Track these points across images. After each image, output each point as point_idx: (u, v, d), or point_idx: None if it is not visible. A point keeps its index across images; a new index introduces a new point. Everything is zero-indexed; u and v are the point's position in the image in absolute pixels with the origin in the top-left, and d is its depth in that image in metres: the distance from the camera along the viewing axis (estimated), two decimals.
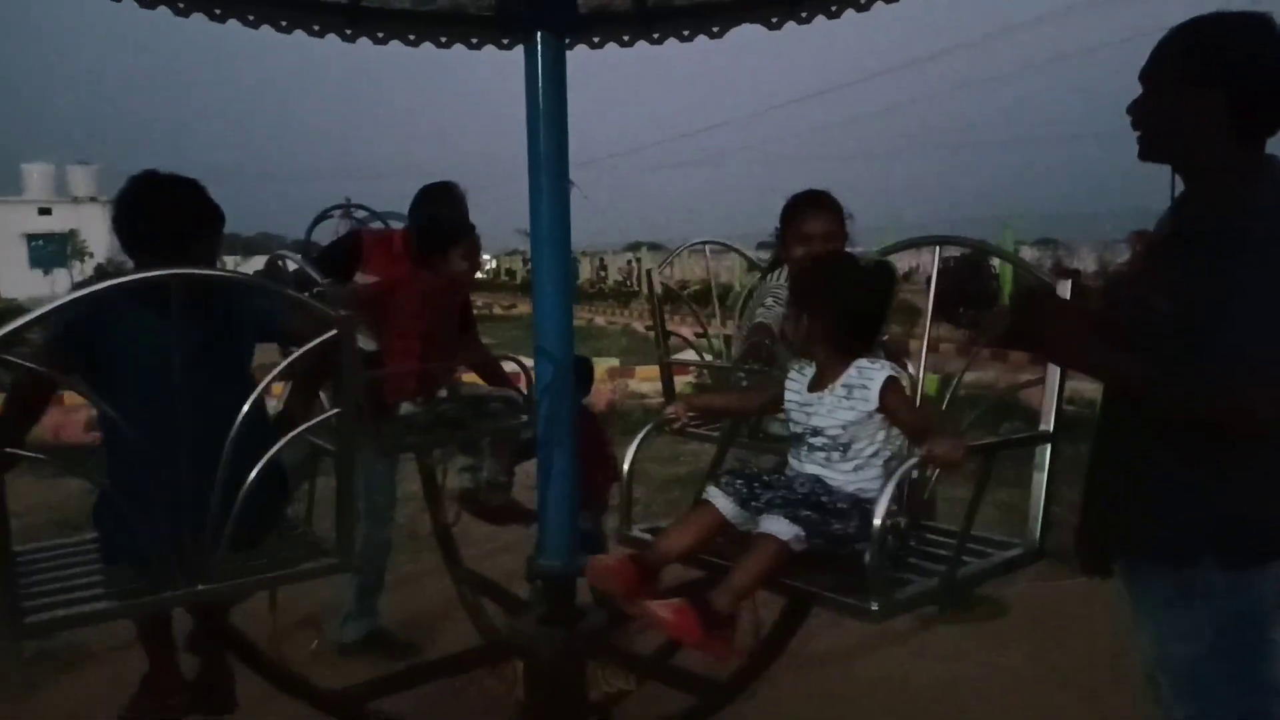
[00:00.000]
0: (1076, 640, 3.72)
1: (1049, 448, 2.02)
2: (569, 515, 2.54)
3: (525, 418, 3.09)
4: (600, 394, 8.74)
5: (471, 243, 3.40)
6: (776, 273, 2.93)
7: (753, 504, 1.92)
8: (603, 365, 10.76)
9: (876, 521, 1.72)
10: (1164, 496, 1.69)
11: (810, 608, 2.28)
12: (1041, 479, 2.03)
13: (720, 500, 1.94)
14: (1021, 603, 4.05)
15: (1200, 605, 1.65)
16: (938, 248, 2.49)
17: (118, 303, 1.97)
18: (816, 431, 1.97)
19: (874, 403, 1.91)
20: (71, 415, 7.68)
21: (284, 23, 2.94)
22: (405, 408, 3.19)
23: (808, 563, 1.84)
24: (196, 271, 1.88)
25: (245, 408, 1.74)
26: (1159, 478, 1.69)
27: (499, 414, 3.24)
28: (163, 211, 2.13)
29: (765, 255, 3.27)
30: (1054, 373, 2.01)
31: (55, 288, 34.92)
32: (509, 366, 3.56)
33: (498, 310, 25.76)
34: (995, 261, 11.08)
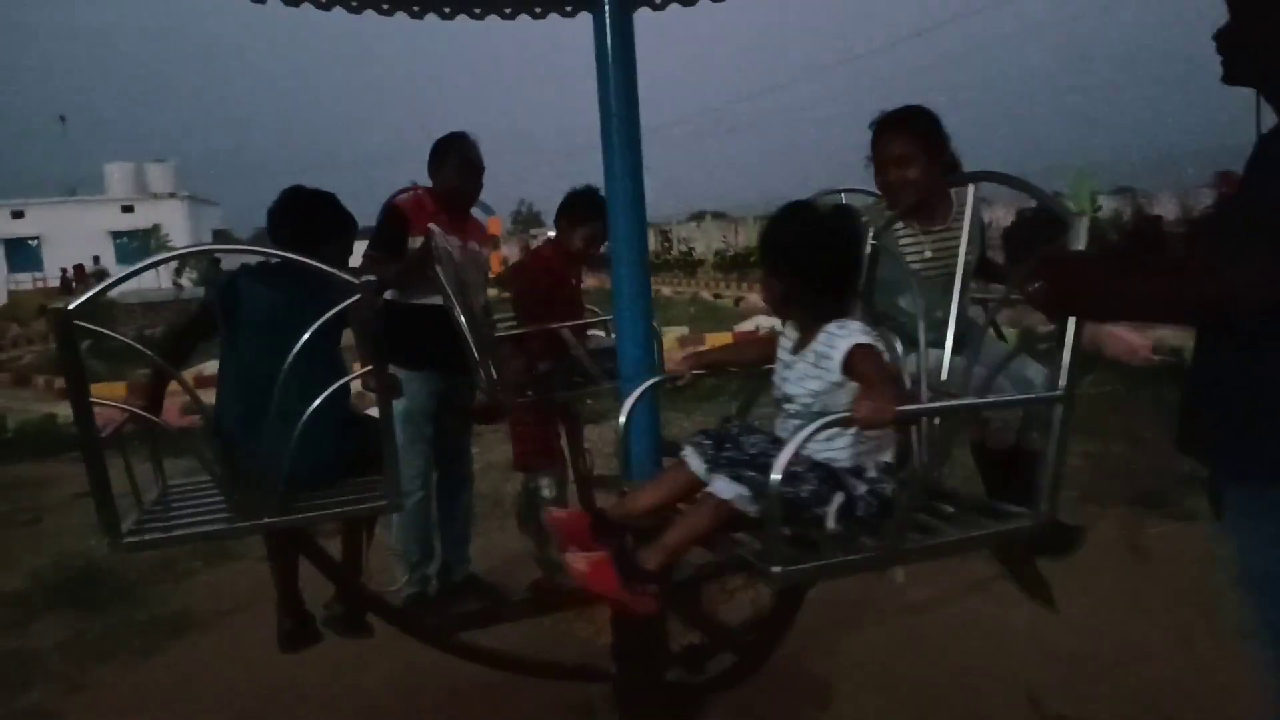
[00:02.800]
0: (1166, 582, 3.67)
1: (1060, 409, 1.83)
2: (651, 474, 2.58)
3: None
4: (670, 362, 8.78)
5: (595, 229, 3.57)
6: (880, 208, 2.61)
7: (716, 464, 1.86)
8: (672, 334, 10.79)
9: (788, 488, 1.66)
10: (1250, 412, 1.66)
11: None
12: (1053, 443, 1.85)
13: (692, 459, 1.90)
14: (1112, 546, 3.99)
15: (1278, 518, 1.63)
16: (971, 186, 2.41)
17: (246, 279, 2.53)
18: (788, 398, 1.91)
19: (836, 373, 1.82)
20: (167, 401, 8.00)
21: (354, 3, 3.00)
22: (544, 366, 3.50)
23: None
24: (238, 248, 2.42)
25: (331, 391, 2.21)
26: (1245, 393, 1.66)
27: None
28: (300, 219, 2.69)
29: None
30: (1069, 330, 1.81)
31: (141, 282, 36.18)
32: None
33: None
34: (1072, 205, 10.80)
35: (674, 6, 3.20)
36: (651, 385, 2.30)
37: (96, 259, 27.74)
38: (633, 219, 2.53)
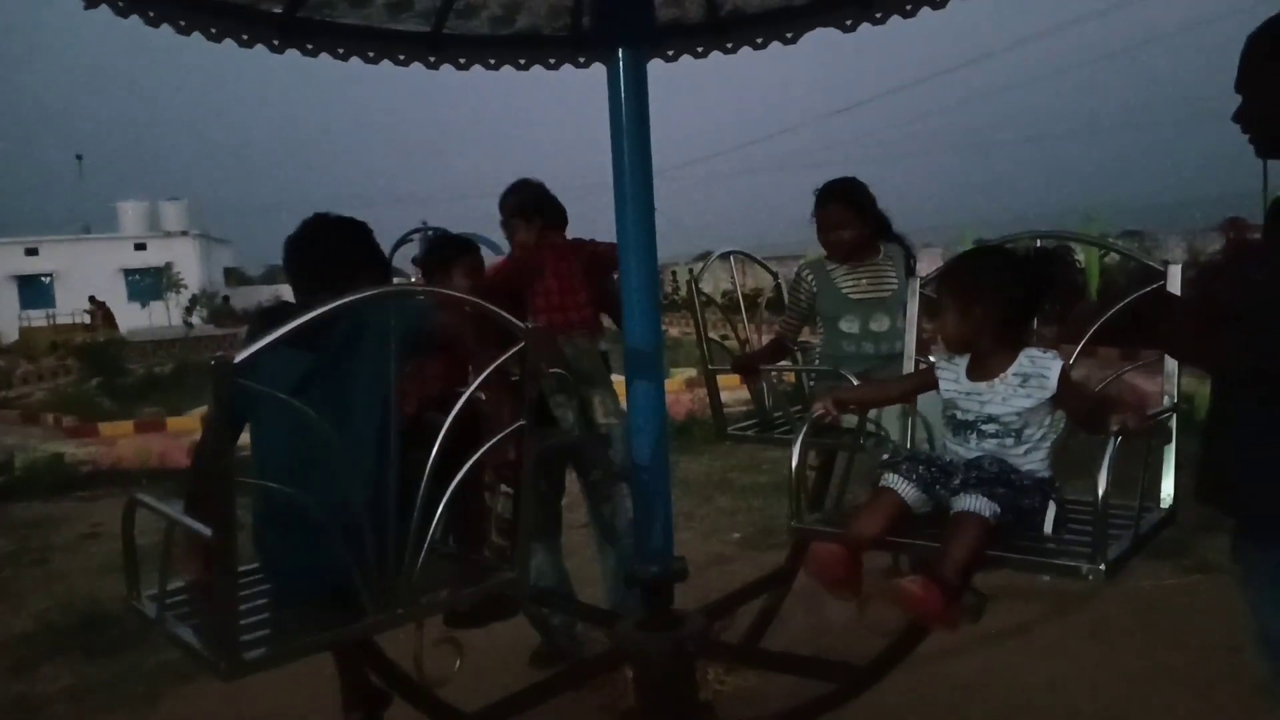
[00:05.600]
0: (1185, 636, 3.61)
1: (1175, 417, 2.15)
2: (665, 522, 2.57)
3: None
4: (680, 404, 8.77)
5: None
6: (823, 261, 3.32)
7: (938, 487, 2.02)
8: (680, 376, 10.79)
9: (1100, 491, 1.79)
10: (1265, 468, 1.66)
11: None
12: (1171, 448, 2.14)
13: (902, 486, 2.04)
14: (1127, 600, 3.94)
15: None
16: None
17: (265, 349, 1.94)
18: (991, 419, 2.06)
19: (1052, 389, 2.00)
20: (176, 441, 8.03)
21: (371, 53, 3.07)
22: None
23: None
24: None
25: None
26: (1262, 449, 1.66)
27: None
28: (327, 249, 2.25)
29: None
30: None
31: (153, 320, 36.44)
32: None
33: None
34: (1080, 256, 10.83)
35: (686, 57, 3.26)
36: (805, 431, 2.21)
37: (91, 299, 27.77)
38: (644, 264, 2.55)
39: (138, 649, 4.06)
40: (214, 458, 1.60)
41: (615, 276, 3.24)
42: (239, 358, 1.52)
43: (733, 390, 4.19)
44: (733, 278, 3.63)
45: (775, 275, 3.82)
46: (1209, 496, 1.81)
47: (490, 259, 3.87)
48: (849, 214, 3.18)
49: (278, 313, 2.06)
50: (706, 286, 3.67)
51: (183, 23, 2.65)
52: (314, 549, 1.82)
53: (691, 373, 11.90)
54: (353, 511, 1.75)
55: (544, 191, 3.66)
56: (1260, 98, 1.71)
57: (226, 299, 33.75)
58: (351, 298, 1.69)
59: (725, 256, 3.62)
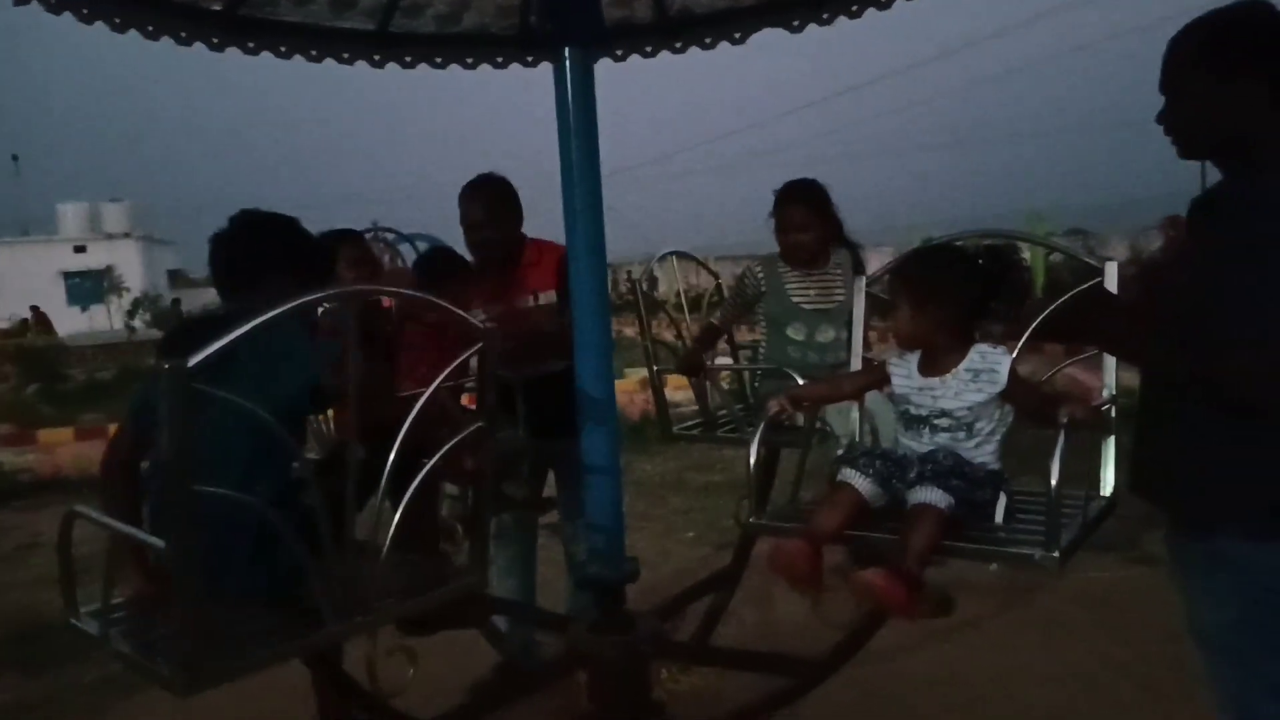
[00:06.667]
0: (1129, 628, 3.69)
1: (1113, 410, 2.19)
2: (616, 524, 2.56)
3: None
4: (634, 404, 8.77)
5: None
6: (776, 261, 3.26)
7: (894, 481, 2.05)
8: (634, 376, 10.78)
9: (1053, 481, 1.83)
10: (1195, 467, 1.70)
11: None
12: (1111, 439, 2.18)
13: (859, 481, 2.07)
14: (1071, 593, 4.02)
15: (1228, 576, 1.67)
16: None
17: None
18: (944, 414, 2.10)
19: (1003, 384, 2.05)
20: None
21: (314, 52, 3.01)
22: None
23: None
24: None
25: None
26: (1191, 445, 1.70)
27: None
28: (252, 244, 2.12)
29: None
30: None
31: (93, 324, 35.55)
32: None
33: None
34: (1026, 254, 11.04)
35: (635, 58, 3.26)
36: (763, 429, 2.22)
37: (33, 309, 26.92)
38: (593, 263, 2.53)
39: (79, 663, 3.94)
40: (174, 466, 1.51)
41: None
42: (194, 360, 1.46)
43: (684, 390, 4.20)
44: (678, 278, 3.64)
45: (716, 276, 3.82)
46: (1141, 489, 1.85)
47: None
48: (810, 215, 3.15)
49: (203, 321, 2.04)
50: (660, 287, 3.67)
51: (117, 20, 2.58)
52: (261, 556, 1.78)
53: (644, 373, 11.89)
54: (298, 514, 1.70)
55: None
56: (1182, 100, 1.74)
57: (177, 301, 32.99)
58: (299, 301, 1.63)
59: (664, 258, 3.63)
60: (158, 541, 1.58)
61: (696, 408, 3.34)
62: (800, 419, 2.47)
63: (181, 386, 1.46)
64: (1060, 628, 3.75)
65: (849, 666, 2.55)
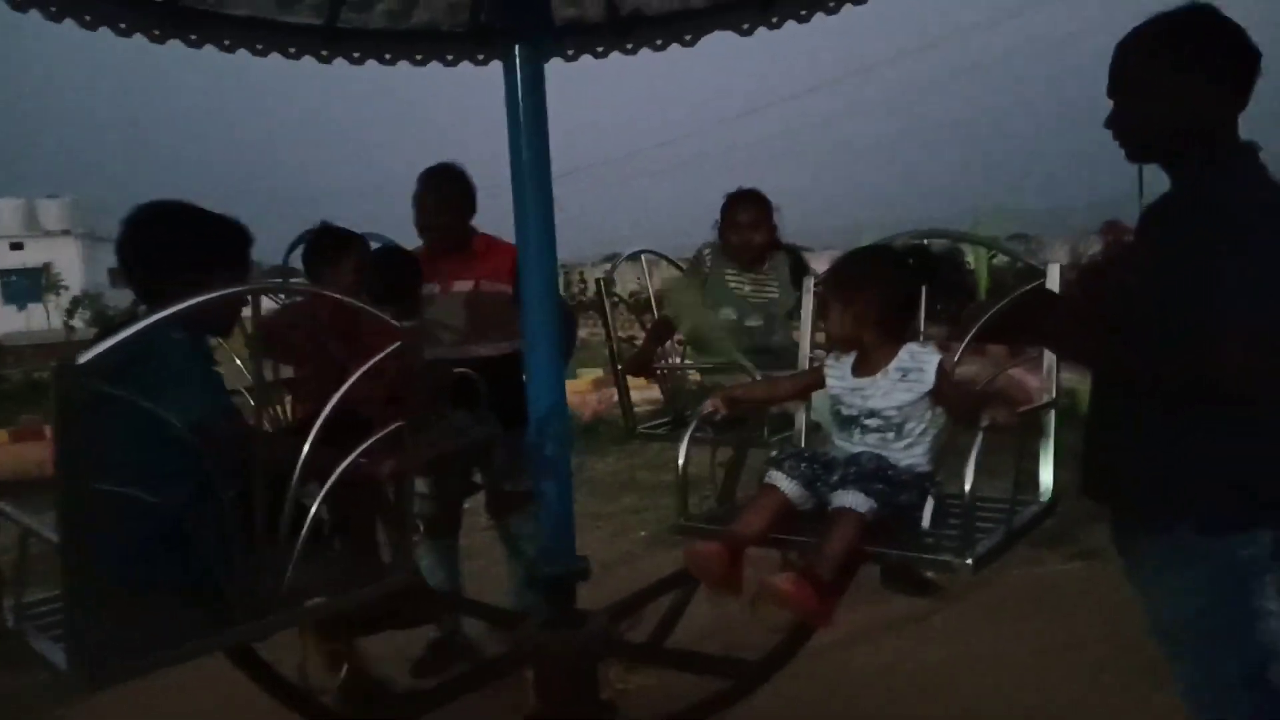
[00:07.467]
0: (1073, 620, 3.77)
1: (1053, 413, 2.22)
2: (567, 522, 2.56)
3: None
4: (587, 404, 8.75)
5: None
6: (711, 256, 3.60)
7: (818, 484, 2.03)
8: (587, 377, 10.77)
9: (966, 486, 1.83)
10: (1150, 464, 1.72)
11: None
12: (1049, 442, 2.21)
13: (784, 483, 2.05)
14: (1018, 586, 4.10)
15: (1189, 570, 1.68)
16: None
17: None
18: (873, 414, 2.09)
19: (930, 383, 2.04)
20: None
21: (260, 46, 2.97)
22: None
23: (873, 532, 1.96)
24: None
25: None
26: (1144, 443, 1.73)
27: None
28: (154, 240, 2.03)
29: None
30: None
31: (31, 323, 34.56)
32: None
33: None
34: (969, 257, 11.20)
35: (586, 58, 3.26)
36: (694, 428, 2.25)
37: None
38: (543, 263, 2.54)
39: (21, 662, 3.82)
40: (65, 463, 1.49)
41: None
42: (85, 357, 1.46)
43: (644, 390, 4.22)
44: (640, 278, 3.69)
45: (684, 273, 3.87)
46: (1095, 492, 1.86)
47: None
48: (756, 221, 3.52)
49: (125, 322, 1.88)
50: (616, 286, 3.71)
51: (53, 8, 2.51)
52: (176, 551, 1.76)
53: (599, 373, 11.86)
54: (206, 510, 1.70)
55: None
56: (1133, 101, 1.74)
57: (136, 301, 32.13)
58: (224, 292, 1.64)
59: (635, 256, 3.75)
60: (53, 535, 1.55)
61: (654, 408, 3.37)
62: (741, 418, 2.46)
63: (75, 385, 1.46)
64: (1007, 619, 3.81)
65: (800, 660, 2.56)
